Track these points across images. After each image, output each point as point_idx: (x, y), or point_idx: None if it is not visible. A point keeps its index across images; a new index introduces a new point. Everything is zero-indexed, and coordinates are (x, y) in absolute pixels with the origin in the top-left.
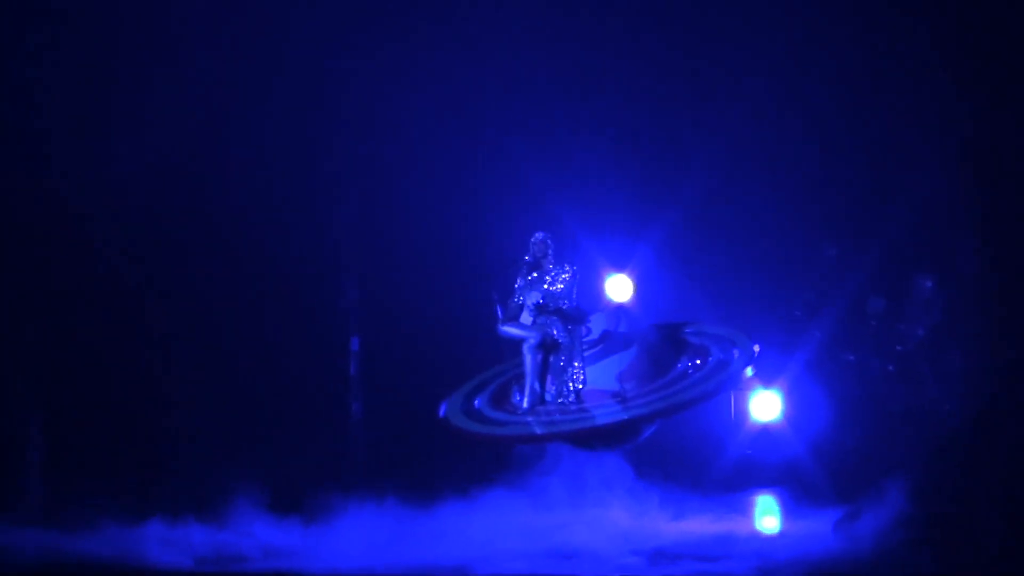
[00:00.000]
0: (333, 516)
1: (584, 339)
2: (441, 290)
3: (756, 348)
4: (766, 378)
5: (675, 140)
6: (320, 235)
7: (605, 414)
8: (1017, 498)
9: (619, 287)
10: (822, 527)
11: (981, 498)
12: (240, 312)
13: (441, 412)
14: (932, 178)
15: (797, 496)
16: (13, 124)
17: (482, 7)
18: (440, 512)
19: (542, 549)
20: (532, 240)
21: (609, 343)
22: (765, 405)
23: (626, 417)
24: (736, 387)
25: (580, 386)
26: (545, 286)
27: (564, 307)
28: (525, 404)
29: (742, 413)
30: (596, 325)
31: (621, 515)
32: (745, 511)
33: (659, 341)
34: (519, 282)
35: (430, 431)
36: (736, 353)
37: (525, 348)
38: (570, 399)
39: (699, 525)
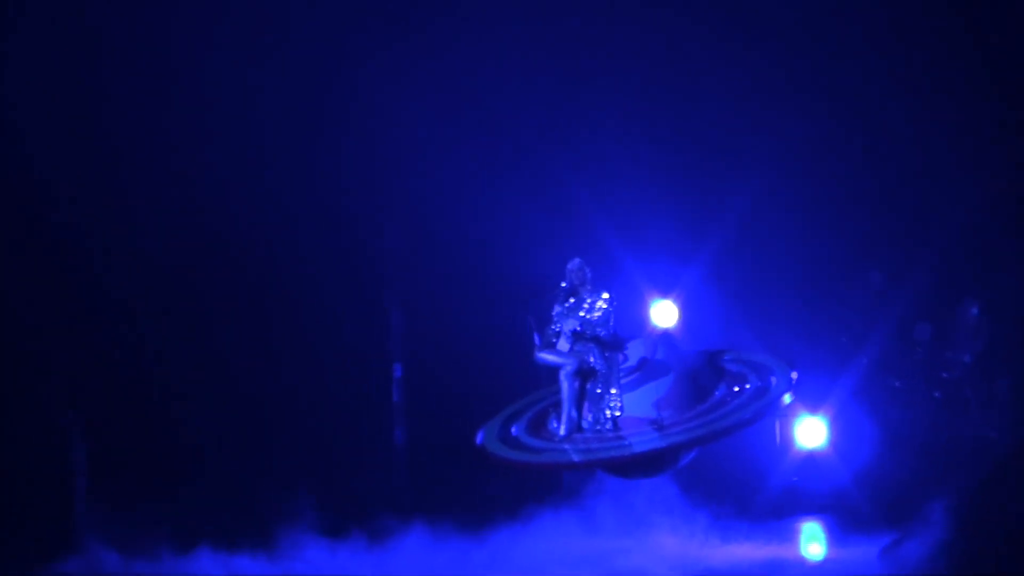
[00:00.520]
0: (383, 542)
1: (621, 366)
2: (485, 316)
3: (794, 375)
4: (812, 405)
5: (722, 167)
6: (365, 263)
7: (642, 442)
8: None
9: (664, 313)
10: (868, 554)
11: None
12: (287, 341)
13: (478, 440)
14: (979, 205)
15: (843, 523)
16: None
17: (529, 26)
18: (490, 538)
19: (593, 574)
20: (568, 267)
21: (646, 370)
22: (811, 432)
23: (663, 445)
24: (774, 415)
25: (617, 413)
26: (582, 313)
27: (601, 335)
28: (562, 431)
29: (788, 440)
30: (633, 352)
31: (669, 540)
32: (791, 538)
33: (696, 368)
34: (556, 309)
35: (477, 457)
36: (774, 380)
37: (562, 375)
38: (607, 426)
39: (745, 551)
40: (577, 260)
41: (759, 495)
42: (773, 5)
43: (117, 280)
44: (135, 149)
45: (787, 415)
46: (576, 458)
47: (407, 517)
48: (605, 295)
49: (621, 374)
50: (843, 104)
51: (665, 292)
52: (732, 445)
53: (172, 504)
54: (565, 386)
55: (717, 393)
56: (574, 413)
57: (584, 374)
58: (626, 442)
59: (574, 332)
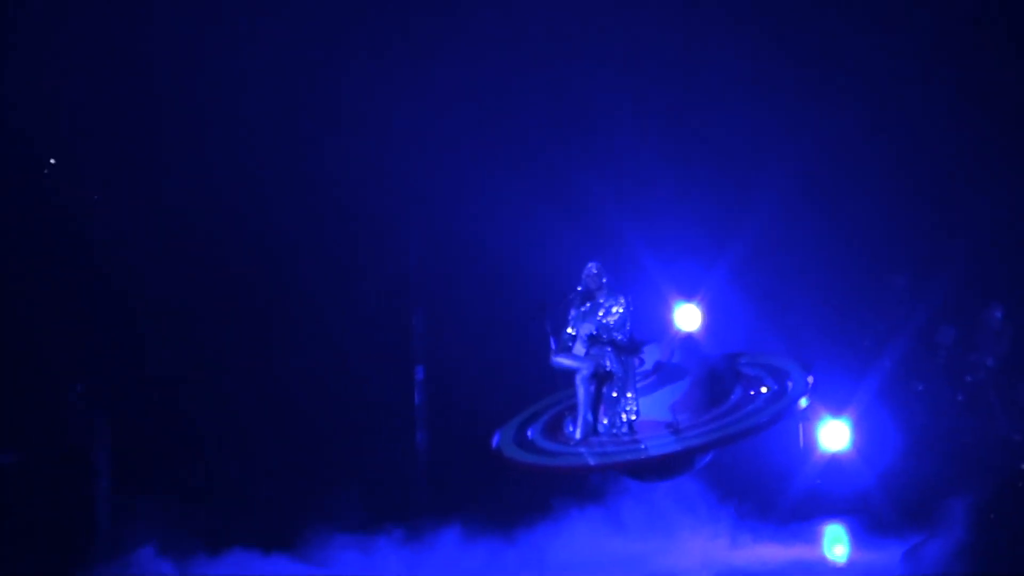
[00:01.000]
0: (413, 543)
1: (637, 370)
2: (508, 318)
3: (810, 379)
4: (835, 407)
5: (747, 168)
6: (388, 266)
7: (658, 445)
8: None
9: (688, 316)
10: (891, 557)
11: None
12: (309, 342)
13: (494, 443)
14: (1003, 207)
15: (866, 526)
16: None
17: (553, 27)
18: (521, 539)
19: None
20: (585, 271)
21: (662, 374)
22: (834, 435)
23: (679, 448)
24: (790, 418)
25: (633, 417)
26: (598, 317)
27: (617, 338)
28: (578, 435)
29: (811, 442)
30: (649, 356)
31: (696, 541)
32: (815, 540)
33: (713, 372)
34: (572, 312)
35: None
36: (790, 384)
37: (578, 379)
38: (623, 430)
39: (770, 553)
40: (593, 264)
41: (783, 497)
42: (803, 3)
43: (145, 279)
44: (171, 149)
45: (810, 418)
46: (592, 461)
47: (438, 518)
48: (622, 299)
49: (637, 378)
50: (869, 105)
51: (689, 295)
52: (756, 448)
53: (200, 505)
54: (581, 390)
55: (733, 397)
56: (590, 417)
57: (600, 378)
58: (642, 445)
59: (590, 336)
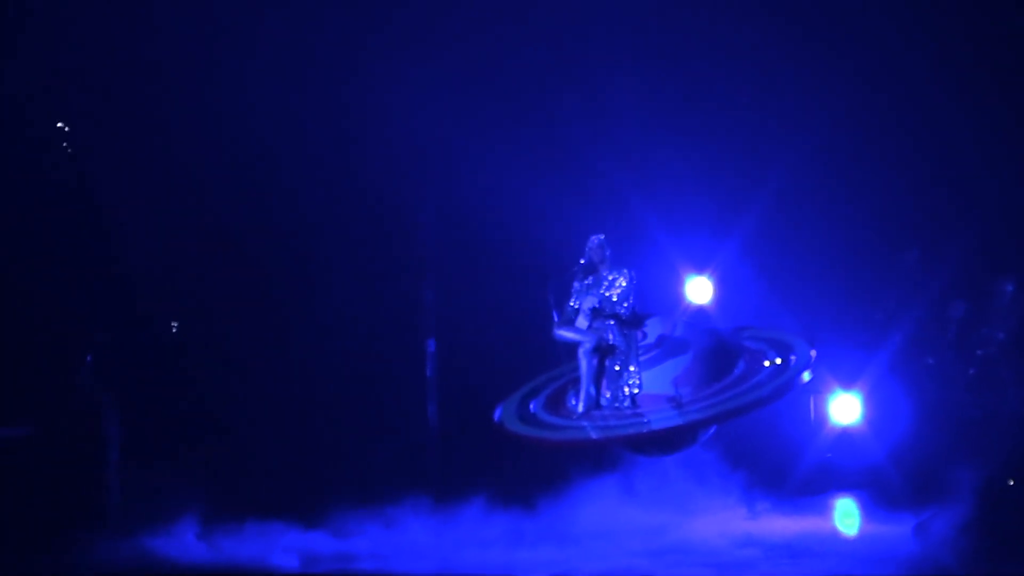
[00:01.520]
0: (429, 518)
1: (640, 343)
2: (521, 290)
3: (813, 353)
4: (846, 381)
5: (757, 142)
6: (398, 237)
7: (661, 419)
8: None
9: (699, 289)
10: (902, 531)
11: None
12: (322, 318)
13: (496, 416)
14: (1013, 181)
15: (877, 499)
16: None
17: (563, 9)
18: (536, 512)
19: (641, 547)
20: (588, 244)
21: (665, 347)
22: (845, 408)
23: (682, 422)
24: (793, 392)
25: (636, 391)
26: (602, 291)
27: (620, 312)
28: (580, 408)
29: (822, 416)
30: (652, 329)
31: (708, 514)
32: (825, 514)
33: (716, 345)
34: (575, 286)
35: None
36: (793, 358)
37: (580, 352)
38: (625, 404)
39: (779, 526)
40: (597, 237)
41: (794, 471)
42: None
43: (157, 254)
44: (186, 133)
45: (821, 391)
46: (594, 435)
47: (458, 491)
48: (625, 272)
49: (640, 351)
50: (883, 81)
51: (700, 268)
52: (767, 421)
53: (207, 482)
54: (584, 363)
55: (736, 371)
56: (592, 390)
57: (603, 351)
58: (644, 419)
59: (593, 309)
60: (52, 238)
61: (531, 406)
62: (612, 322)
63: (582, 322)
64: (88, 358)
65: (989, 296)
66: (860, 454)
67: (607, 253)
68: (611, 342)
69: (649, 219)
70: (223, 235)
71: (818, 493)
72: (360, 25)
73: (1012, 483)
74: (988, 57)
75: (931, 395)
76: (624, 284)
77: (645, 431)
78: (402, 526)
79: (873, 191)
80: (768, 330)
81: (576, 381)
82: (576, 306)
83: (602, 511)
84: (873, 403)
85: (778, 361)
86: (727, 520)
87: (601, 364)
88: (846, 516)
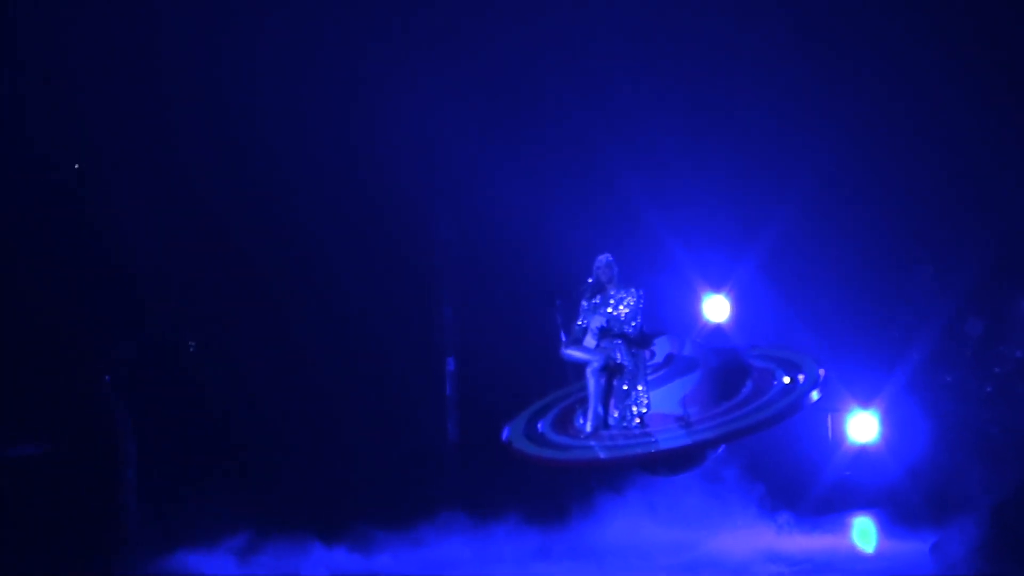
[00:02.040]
0: (457, 535)
1: (648, 363)
2: (541, 308)
3: (822, 371)
4: (864, 399)
5: (775, 160)
6: (417, 256)
7: (669, 439)
8: None
9: (716, 307)
10: (919, 549)
11: None
12: (341, 336)
13: (504, 436)
14: None
15: (895, 518)
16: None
17: (581, 14)
18: (567, 529)
19: (666, 563)
20: (596, 263)
21: (673, 367)
22: (863, 426)
23: (690, 442)
24: (802, 411)
25: (644, 410)
26: (609, 310)
27: (628, 331)
28: (588, 428)
29: (840, 434)
30: (660, 349)
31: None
32: (843, 532)
33: (723, 365)
34: (583, 305)
35: None
36: (802, 377)
37: (588, 371)
38: (633, 423)
39: (798, 544)
40: (605, 257)
41: (812, 489)
42: None
43: (175, 274)
44: (197, 141)
45: (839, 410)
46: (602, 455)
47: (484, 508)
48: (633, 291)
49: (648, 370)
50: (898, 97)
51: (717, 286)
52: (784, 439)
53: (231, 498)
54: (592, 382)
55: (744, 390)
56: (600, 409)
57: (611, 370)
58: (652, 439)
59: (601, 328)
60: (65, 254)
61: (539, 426)
62: (620, 341)
63: (590, 341)
64: (107, 377)
65: (1006, 314)
66: (878, 472)
67: (615, 272)
68: (619, 361)
69: (667, 237)
70: (243, 257)
71: (836, 511)
72: (376, 33)
73: None
74: (1009, 72)
75: (949, 413)
76: (632, 303)
77: (653, 451)
78: (428, 544)
79: (890, 209)
80: (776, 349)
81: (584, 400)
82: (584, 325)
83: (627, 527)
84: (891, 421)
85: (786, 380)
86: (751, 536)
87: (609, 384)
88: (864, 534)
